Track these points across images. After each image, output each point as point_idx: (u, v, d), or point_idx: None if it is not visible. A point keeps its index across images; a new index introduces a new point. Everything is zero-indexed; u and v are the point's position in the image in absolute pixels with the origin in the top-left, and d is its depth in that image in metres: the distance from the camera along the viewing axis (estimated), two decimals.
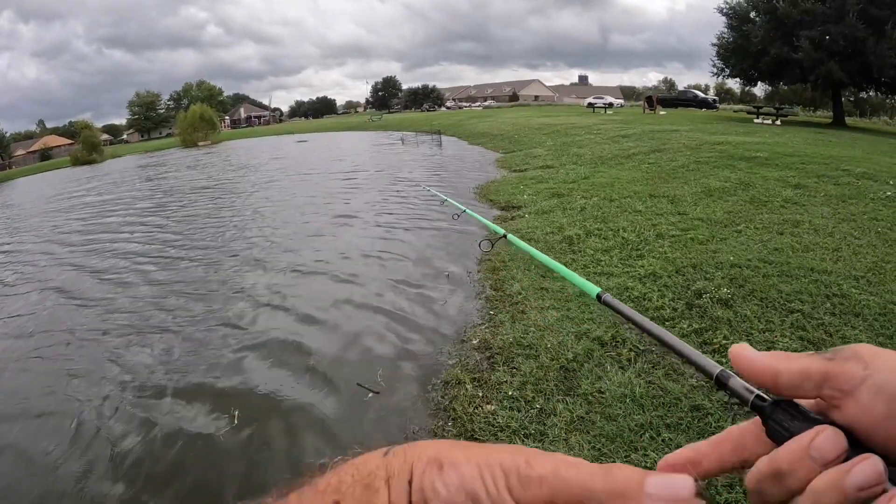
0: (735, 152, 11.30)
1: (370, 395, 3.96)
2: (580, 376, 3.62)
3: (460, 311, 5.24)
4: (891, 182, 8.00)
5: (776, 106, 28.38)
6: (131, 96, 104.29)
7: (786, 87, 32.78)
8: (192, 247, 9.10)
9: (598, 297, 0.85)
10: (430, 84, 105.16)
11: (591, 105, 37.79)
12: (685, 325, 4.10)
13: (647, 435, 2.94)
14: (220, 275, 7.30)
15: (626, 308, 0.70)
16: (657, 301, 4.56)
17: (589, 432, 3.05)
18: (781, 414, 0.37)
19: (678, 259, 5.46)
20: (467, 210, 2.23)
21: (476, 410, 3.46)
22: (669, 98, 44.58)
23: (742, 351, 0.39)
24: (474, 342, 4.44)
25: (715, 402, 3.12)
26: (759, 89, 36.64)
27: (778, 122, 22.82)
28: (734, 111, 37.91)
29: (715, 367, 0.45)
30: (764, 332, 3.85)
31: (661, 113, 32.33)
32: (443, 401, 3.70)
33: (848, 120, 28.06)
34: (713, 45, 27.82)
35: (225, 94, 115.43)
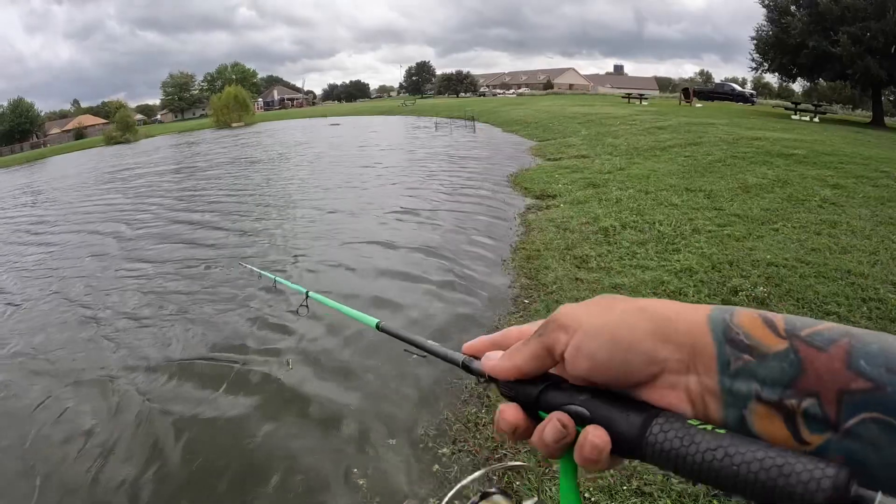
0: (772, 148, 11.16)
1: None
2: None
3: (493, 299, 5.31)
4: None
5: (814, 103, 27.87)
6: (165, 77, 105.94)
7: (825, 84, 32.14)
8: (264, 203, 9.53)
9: (377, 326, 0.85)
10: (465, 70, 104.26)
11: (627, 95, 37.39)
12: None
13: None
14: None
15: (404, 332, 0.72)
16: (693, 296, 4.57)
17: None
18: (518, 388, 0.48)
19: (714, 255, 5.45)
20: (277, 279, 2.07)
21: None
22: (706, 91, 43.97)
23: (487, 363, 0.50)
24: None
25: None
26: (798, 85, 36.01)
27: (816, 119, 22.43)
28: (772, 106, 37.23)
29: (459, 356, 0.55)
30: None
31: (698, 105, 31.86)
32: (476, 388, 3.76)
33: (887, 120, 27.43)
34: (751, 38, 27.37)
35: (259, 75, 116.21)
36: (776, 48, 25.75)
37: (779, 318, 0.39)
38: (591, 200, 8.28)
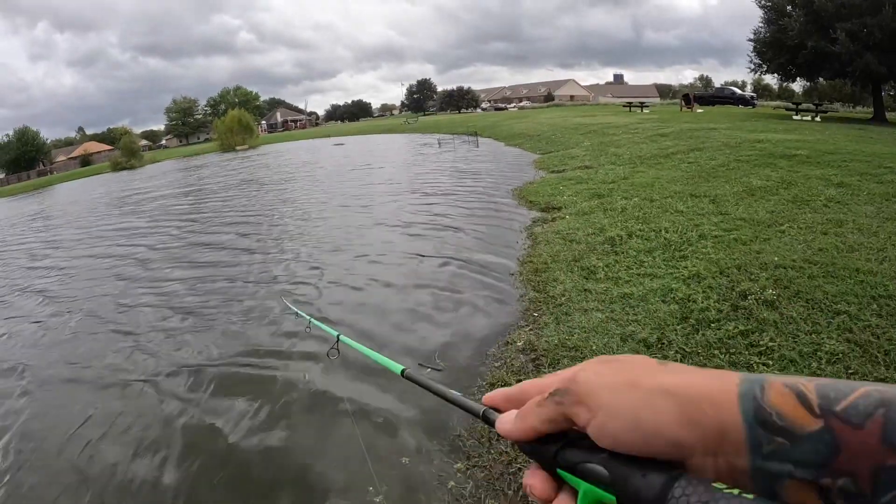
0: (775, 150, 11.16)
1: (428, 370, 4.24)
2: None
3: (503, 313, 5.32)
4: None
5: (815, 102, 27.87)
6: (168, 102, 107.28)
7: (825, 83, 32.12)
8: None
9: (402, 372, 0.88)
10: (465, 86, 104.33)
11: (628, 104, 37.47)
12: (731, 327, 4.10)
13: None
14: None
15: (429, 381, 0.73)
16: (702, 302, 4.57)
17: None
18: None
19: (722, 260, 5.45)
20: (312, 320, 2.15)
21: None
22: (706, 96, 43.89)
23: (502, 426, 0.51)
24: (518, 344, 4.50)
25: None
26: (798, 85, 35.93)
27: (817, 119, 22.43)
28: (773, 108, 37.20)
29: (479, 407, 0.55)
30: (810, 334, 3.84)
31: (699, 111, 31.93)
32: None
33: (888, 116, 27.32)
34: (749, 40, 27.39)
35: (261, 98, 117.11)
36: (774, 48, 25.76)
37: (811, 392, 0.37)
38: (596, 211, 8.30)
